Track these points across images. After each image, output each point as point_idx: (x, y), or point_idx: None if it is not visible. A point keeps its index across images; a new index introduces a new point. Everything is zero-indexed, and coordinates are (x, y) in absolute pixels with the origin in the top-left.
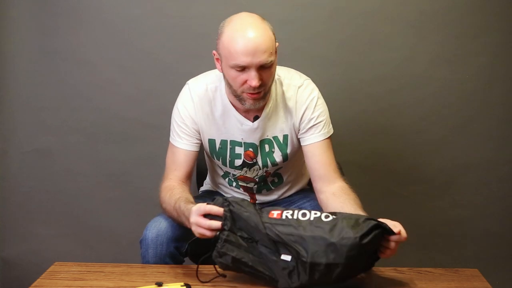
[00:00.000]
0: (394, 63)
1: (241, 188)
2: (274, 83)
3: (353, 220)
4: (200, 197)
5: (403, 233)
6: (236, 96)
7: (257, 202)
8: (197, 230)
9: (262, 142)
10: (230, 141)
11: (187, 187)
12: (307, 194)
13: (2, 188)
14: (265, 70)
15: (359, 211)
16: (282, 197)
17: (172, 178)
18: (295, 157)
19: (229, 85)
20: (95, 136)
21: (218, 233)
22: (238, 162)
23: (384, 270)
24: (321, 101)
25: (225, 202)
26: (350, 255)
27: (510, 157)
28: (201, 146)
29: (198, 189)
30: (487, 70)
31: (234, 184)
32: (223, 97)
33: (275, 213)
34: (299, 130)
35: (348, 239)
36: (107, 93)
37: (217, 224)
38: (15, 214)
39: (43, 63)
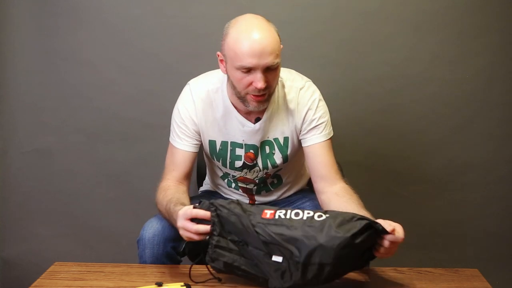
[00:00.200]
0: (394, 63)
1: (240, 189)
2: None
3: (342, 218)
4: (199, 197)
5: (399, 233)
6: (240, 97)
7: (256, 203)
8: (184, 234)
9: (263, 143)
10: (231, 142)
11: (184, 187)
12: (306, 194)
13: (2, 188)
14: (270, 72)
15: (362, 211)
16: (281, 197)
17: (169, 178)
18: (295, 158)
19: (233, 86)
20: (95, 136)
21: (207, 237)
22: (239, 163)
23: (384, 270)
24: (323, 103)
25: (212, 207)
26: (339, 254)
27: (510, 157)
28: (201, 146)
29: (198, 189)
30: (487, 70)
31: (233, 185)
32: (224, 98)
33: (268, 213)
34: (300, 131)
35: (335, 239)
36: (107, 93)
37: (204, 228)
38: (15, 214)
39: (43, 63)
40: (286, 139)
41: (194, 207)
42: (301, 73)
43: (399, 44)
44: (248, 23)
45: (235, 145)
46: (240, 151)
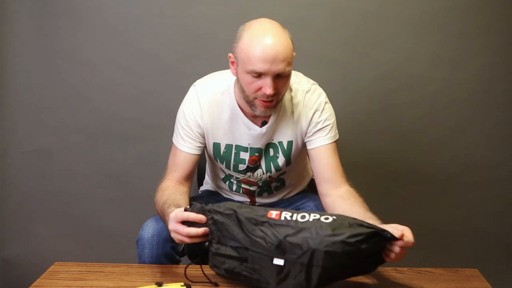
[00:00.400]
0: (394, 63)
1: (242, 191)
2: None
3: (349, 223)
4: (199, 197)
5: (409, 238)
6: (248, 101)
7: (256, 204)
8: (175, 237)
9: (268, 146)
10: (236, 145)
11: (184, 188)
12: (306, 195)
13: (2, 188)
14: (281, 79)
15: (368, 214)
16: (282, 199)
17: (170, 178)
18: (298, 160)
19: (242, 90)
20: (95, 136)
21: (206, 243)
22: (242, 166)
23: (384, 270)
24: (329, 105)
25: (208, 214)
26: (343, 258)
27: (510, 157)
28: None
29: (198, 188)
30: (487, 70)
31: (235, 187)
32: (231, 101)
33: (273, 213)
34: (306, 134)
35: (339, 243)
36: (107, 93)
37: (195, 231)
38: (15, 214)
39: (43, 63)
40: (290, 142)
41: (185, 210)
42: (301, 74)
43: (399, 44)
44: (263, 27)
45: (239, 148)
46: (244, 155)
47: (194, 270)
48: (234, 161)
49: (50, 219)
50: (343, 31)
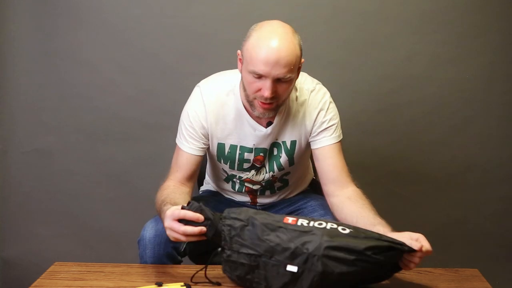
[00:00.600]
0: (394, 63)
1: (244, 190)
2: None
3: (365, 235)
4: (200, 198)
5: (427, 247)
6: (248, 101)
7: (257, 204)
8: (171, 235)
9: (272, 145)
10: (240, 146)
11: (186, 189)
12: (307, 195)
13: (2, 188)
14: (281, 83)
15: (377, 219)
16: (283, 198)
17: (172, 178)
18: (301, 161)
19: (244, 88)
20: (95, 136)
21: (218, 249)
22: (247, 165)
23: None
24: (333, 105)
25: (225, 221)
26: (358, 267)
27: (510, 157)
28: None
29: (199, 188)
30: (487, 70)
31: (238, 187)
32: (237, 101)
33: (290, 219)
34: (310, 134)
35: (356, 252)
36: (107, 93)
37: (192, 229)
38: (15, 214)
39: (43, 63)
40: (293, 142)
41: (183, 208)
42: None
43: (399, 44)
44: (272, 29)
45: (244, 149)
46: (248, 156)
47: (194, 270)
48: (238, 161)
49: (50, 219)
50: (343, 31)
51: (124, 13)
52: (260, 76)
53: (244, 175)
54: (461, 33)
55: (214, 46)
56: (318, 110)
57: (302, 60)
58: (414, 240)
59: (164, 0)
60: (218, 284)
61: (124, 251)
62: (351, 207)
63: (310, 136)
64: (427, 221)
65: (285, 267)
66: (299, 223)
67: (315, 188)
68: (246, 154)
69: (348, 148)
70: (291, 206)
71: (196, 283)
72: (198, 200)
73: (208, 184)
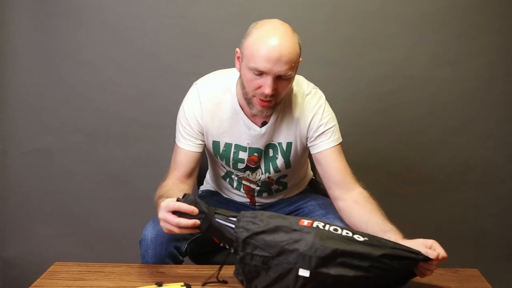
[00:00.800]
0: (394, 63)
1: (242, 189)
2: None
3: (380, 244)
4: (200, 198)
5: (442, 254)
6: (247, 99)
7: (256, 204)
8: (165, 226)
9: (267, 146)
10: (235, 145)
11: (185, 186)
12: (307, 195)
13: (2, 188)
14: (281, 81)
15: (387, 224)
16: (282, 198)
17: (171, 177)
18: (299, 164)
19: (242, 86)
20: (95, 136)
21: (231, 251)
22: (241, 165)
23: None
24: (328, 108)
25: (240, 223)
26: (372, 276)
27: (510, 157)
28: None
29: (198, 188)
30: (487, 70)
31: (236, 184)
32: (233, 100)
33: (305, 221)
34: (307, 139)
35: (370, 263)
36: (107, 93)
37: (186, 221)
38: (15, 214)
39: (43, 63)
40: (289, 144)
41: (178, 200)
42: (301, 74)
43: (399, 44)
44: (273, 27)
45: (238, 147)
46: (243, 155)
47: (194, 270)
48: (233, 160)
49: (50, 219)
50: (343, 31)
51: (124, 13)
52: (261, 73)
53: (240, 174)
54: (461, 33)
55: (214, 46)
56: (313, 114)
57: (300, 59)
58: (428, 247)
59: (164, 0)
60: (225, 282)
61: (124, 251)
62: (359, 212)
63: (307, 141)
64: (427, 221)
65: (298, 271)
66: (314, 225)
67: (315, 188)
68: (241, 153)
69: (348, 148)
70: (291, 206)
71: (207, 283)
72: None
73: (208, 184)
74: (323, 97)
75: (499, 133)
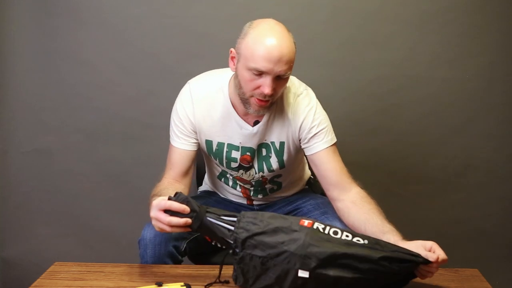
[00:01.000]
0: (394, 63)
1: (238, 188)
2: None
3: (381, 247)
4: (198, 198)
5: (442, 257)
6: (243, 99)
7: (254, 203)
8: (157, 225)
9: (260, 146)
10: (227, 144)
11: (179, 185)
12: (306, 194)
13: (2, 188)
14: (280, 81)
15: (386, 225)
16: (279, 199)
17: (166, 177)
18: (294, 164)
19: (239, 86)
20: (95, 136)
21: (230, 251)
22: (234, 164)
23: None
24: (320, 109)
25: (241, 224)
26: (371, 278)
27: (510, 157)
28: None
29: (197, 188)
30: (487, 70)
31: (231, 183)
32: (225, 99)
33: (306, 222)
34: (300, 140)
35: (369, 266)
36: (107, 93)
37: (177, 220)
38: (15, 214)
39: (43, 63)
40: (282, 143)
41: (169, 199)
42: (301, 74)
43: (399, 44)
44: (270, 27)
45: (231, 147)
46: (235, 154)
47: (194, 270)
48: (226, 159)
49: (50, 219)
50: (343, 31)
51: (124, 13)
52: (260, 73)
53: (234, 173)
54: (461, 33)
55: (214, 46)
56: (304, 115)
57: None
58: (428, 249)
59: (164, 0)
60: (227, 282)
61: (124, 251)
62: (357, 213)
63: (300, 142)
64: (427, 221)
65: (297, 272)
66: (314, 226)
67: (313, 187)
68: (233, 152)
69: (348, 148)
70: (289, 206)
71: (209, 284)
72: (196, 200)
73: (206, 185)
74: (314, 98)
75: (499, 133)
